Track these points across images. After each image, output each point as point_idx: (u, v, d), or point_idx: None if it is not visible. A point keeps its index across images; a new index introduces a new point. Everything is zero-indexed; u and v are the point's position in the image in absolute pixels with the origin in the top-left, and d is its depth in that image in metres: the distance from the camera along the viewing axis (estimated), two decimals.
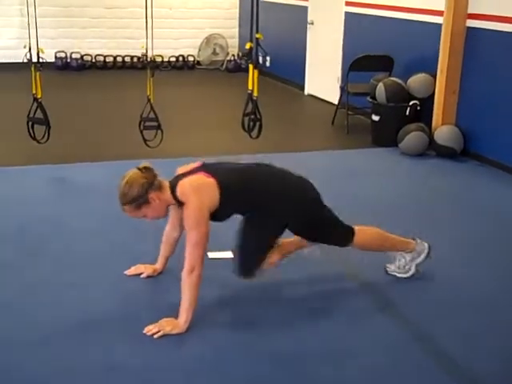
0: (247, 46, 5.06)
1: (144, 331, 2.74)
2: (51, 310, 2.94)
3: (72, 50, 9.98)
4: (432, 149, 5.69)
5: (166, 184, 2.89)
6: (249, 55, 5.08)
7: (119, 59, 10.23)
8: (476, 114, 5.56)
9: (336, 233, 3.15)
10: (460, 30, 5.56)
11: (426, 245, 3.32)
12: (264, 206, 2.95)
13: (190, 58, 10.54)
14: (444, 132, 5.62)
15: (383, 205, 4.37)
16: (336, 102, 7.67)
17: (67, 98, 7.90)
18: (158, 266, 3.28)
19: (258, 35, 5.03)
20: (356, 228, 3.16)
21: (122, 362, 2.57)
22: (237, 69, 10.23)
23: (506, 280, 3.38)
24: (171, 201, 2.88)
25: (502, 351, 2.73)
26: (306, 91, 8.67)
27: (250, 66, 5.04)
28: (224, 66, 10.47)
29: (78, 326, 2.82)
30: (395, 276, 3.32)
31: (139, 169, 2.85)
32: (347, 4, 7.48)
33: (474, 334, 2.85)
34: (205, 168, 2.92)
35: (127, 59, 10.22)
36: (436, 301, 3.14)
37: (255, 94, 5.10)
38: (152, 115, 4.95)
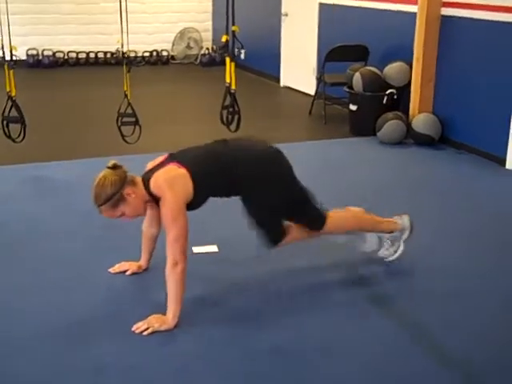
0: (223, 39, 5.01)
1: (133, 329, 2.71)
2: (36, 311, 2.89)
3: (44, 47, 9.85)
4: (410, 137, 5.72)
5: (139, 179, 2.87)
6: (225, 48, 5.04)
7: (92, 55, 10.12)
8: (452, 101, 5.60)
9: (311, 211, 3.10)
10: (435, 18, 5.58)
11: (406, 219, 3.33)
12: (243, 184, 2.93)
13: (164, 53, 10.46)
14: (421, 120, 5.64)
15: (364, 193, 4.36)
16: (312, 93, 7.68)
17: (41, 95, 7.79)
18: (143, 262, 3.25)
19: (234, 28, 5.00)
20: (330, 213, 3.14)
21: (112, 361, 2.54)
22: (211, 63, 10.17)
23: (488, 267, 3.40)
24: (146, 196, 2.85)
25: (489, 338, 2.75)
26: (282, 83, 8.66)
27: (227, 59, 5.01)
28: (198, 60, 10.41)
29: (64, 326, 2.78)
30: (387, 260, 3.32)
31: (109, 167, 2.81)
32: None
33: (461, 322, 2.86)
34: (173, 158, 2.88)
35: (100, 55, 10.12)
36: (424, 290, 3.14)
37: (233, 86, 5.07)
38: (129, 111, 4.89)
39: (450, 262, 3.44)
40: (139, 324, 2.73)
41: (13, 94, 4.76)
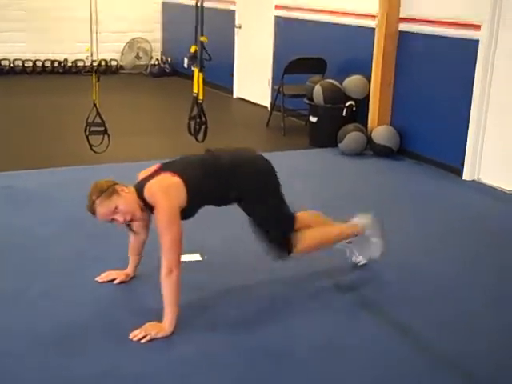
0: (192, 50, 5.06)
1: (130, 337, 2.70)
2: (28, 322, 2.84)
3: None
4: (369, 148, 5.88)
5: (131, 188, 2.89)
6: (193, 59, 5.08)
7: (39, 64, 9.93)
8: (410, 113, 5.79)
9: (286, 224, 3.12)
10: (393, 34, 5.78)
11: (364, 217, 3.37)
12: (238, 194, 2.99)
13: (113, 63, 10.36)
14: (381, 132, 5.82)
15: (329, 203, 4.41)
16: (266, 105, 7.79)
17: None
18: (129, 270, 3.25)
19: (202, 38, 5.05)
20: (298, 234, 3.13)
21: (113, 369, 2.53)
22: (161, 73, 10.15)
23: (463, 268, 3.57)
24: (139, 203, 2.86)
25: (471, 336, 2.88)
26: (235, 94, 8.72)
27: (195, 70, 5.06)
28: (148, 71, 10.36)
29: (58, 336, 2.74)
30: (361, 264, 3.41)
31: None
32: (277, 8, 7.59)
33: (446, 323, 2.98)
34: (166, 168, 2.93)
35: (47, 63, 9.94)
36: (409, 293, 3.26)
37: (200, 97, 5.12)
38: (98, 120, 4.86)
39: (425, 264, 3.58)
40: (136, 332, 2.72)
41: None
